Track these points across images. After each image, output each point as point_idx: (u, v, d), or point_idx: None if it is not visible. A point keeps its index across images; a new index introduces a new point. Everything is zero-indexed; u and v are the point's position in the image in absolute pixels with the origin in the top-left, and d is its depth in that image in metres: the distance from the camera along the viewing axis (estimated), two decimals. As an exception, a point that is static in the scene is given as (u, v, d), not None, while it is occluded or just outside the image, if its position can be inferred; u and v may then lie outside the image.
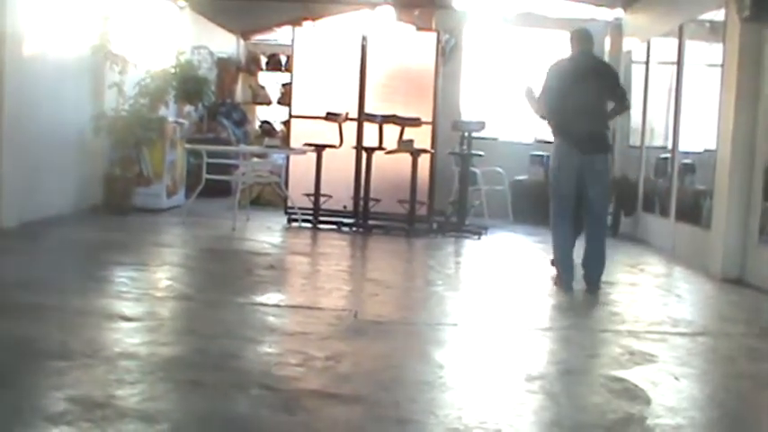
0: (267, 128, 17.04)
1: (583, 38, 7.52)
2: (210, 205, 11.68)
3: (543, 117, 7.57)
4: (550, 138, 7.70)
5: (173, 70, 11.64)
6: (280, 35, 17.56)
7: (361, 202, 10.83)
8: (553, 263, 7.61)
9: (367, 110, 10.97)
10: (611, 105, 7.55)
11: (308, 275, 7.96)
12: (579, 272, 7.32)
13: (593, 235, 7.38)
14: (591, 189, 7.24)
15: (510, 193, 12.75)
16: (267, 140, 16.01)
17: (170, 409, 3.75)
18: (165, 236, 9.72)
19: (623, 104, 7.70)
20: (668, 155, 10.54)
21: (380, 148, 10.56)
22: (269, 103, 17.46)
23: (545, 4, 14.14)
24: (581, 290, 7.27)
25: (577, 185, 7.22)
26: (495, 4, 14.26)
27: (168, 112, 11.98)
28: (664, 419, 3.96)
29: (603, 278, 7.42)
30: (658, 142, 11.45)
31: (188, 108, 13.57)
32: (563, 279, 7.30)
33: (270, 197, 12.70)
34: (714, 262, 8.45)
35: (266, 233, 10.16)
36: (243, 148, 12.83)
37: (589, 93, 7.23)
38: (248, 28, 17.07)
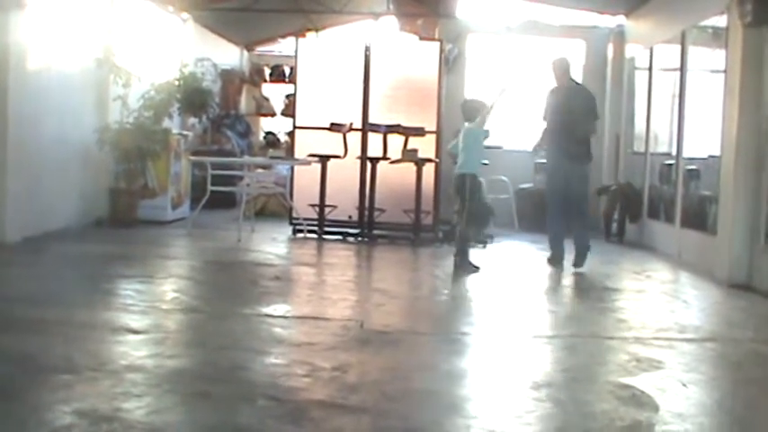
0: (271, 139, 17.07)
1: (566, 67, 9.26)
2: (215, 217, 11.69)
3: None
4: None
5: (177, 82, 11.66)
6: (283, 46, 17.64)
7: (366, 212, 10.83)
8: (549, 260, 9.15)
9: (371, 120, 10.98)
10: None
11: (313, 286, 7.95)
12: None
13: (577, 225, 9.11)
14: (574, 189, 9.00)
15: (515, 201, 12.74)
16: (271, 151, 16.04)
17: (177, 422, 3.75)
18: (170, 248, 9.72)
19: (594, 127, 9.41)
20: (673, 161, 10.54)
21: (385, 157, 10.57)
22: (273, 114, 17.49)
23: (548, 12, 14.16)
24: (574, 277, 8.60)
25: (565, 186, 8.98)
26: (498, 13, 14.28)
27: (172, 125, 12.01)
28: (672, 426, 3.94)
29: (610, 285, 8.05)
30: (663, 149, 11.43)
31: (192, 120, 13.61)
32: (555, 258, 9.07)
33: (275, 208, 12.72)
34: (720, 268, 8.43)
35: (271, 244, 10.17)
36: (247, 159, 12.86)
37: (574, 115, 8.98)
38: (252, 39, 17.12)
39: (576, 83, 9.61)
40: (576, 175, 9.03)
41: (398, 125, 10.53)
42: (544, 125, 9.33)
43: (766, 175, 8.02)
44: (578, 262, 8.86)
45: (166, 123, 11.50)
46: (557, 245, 9.13)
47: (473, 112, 8.74)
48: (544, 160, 10.21)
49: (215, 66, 14.89)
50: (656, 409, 4.15)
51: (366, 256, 10.00)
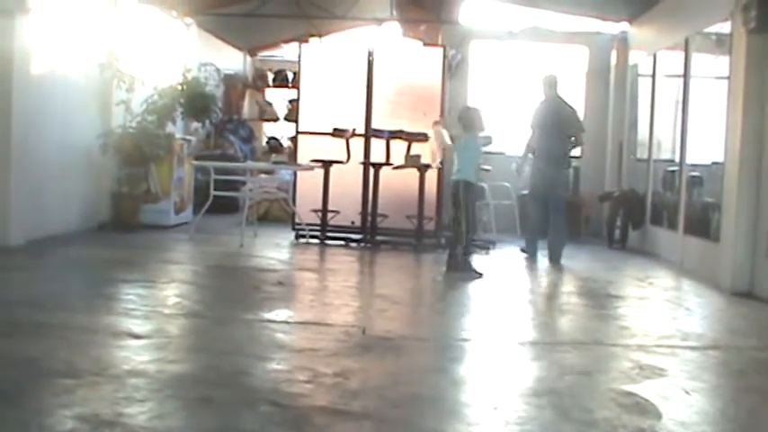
0: (274, 144, 17.08)
1: (553, 83, 10.29)
2: (218, 222, 11.69)
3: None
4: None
5: (180, 87, 11.68)
6: (286, 51, 17.65)
7: (369, 218, 10.83)
8: (523, 249, 10.46)
9: (374, 125, 10.99)
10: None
11: (316, 291, 7.95)
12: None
13: (554, 223, 10.08)
14: (553, 192, 10.09)
15: (517, 207, 12.73)
16: (274, 157, 16.05)
17: (179, 427, 3.74)
18: (172, 253, 9.72)
19: (579, 140, 10.43)
20: (676, 168, 10.53)
21: (388, 163, 10.57)
22: (276, 119, 17.51)
23: (551, 18, 14.16)
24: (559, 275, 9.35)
25: (545, 191, 10.09)
26: (502, 18, 14.29)
27: (176, 129, 12.02)
28: (675, 434, 3.93)
29: (612, 291, 8.04)
30: (666, 155, 11.44)
31: (195, 125, 13.62)
32: (531, 251, 10.23)
33: (277, 213, 12.73)
34: (723, 275, 8.42)
35: (274, 249, 10.17)
36: (250, 164, 12.87)
37: (557, 128, 10.05)
38: (255, 44, 17.14)
39: (561, 99, 10.37)
40: (559, 180, 10.21)
41: (401, 131, 10.55)
42: (528, 138, 10.47)
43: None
44: (557, 257, 9.91)
45: (170, 128, 11.52)
46: (535, 242, 10.31)
47: (467, 120, 8.93)
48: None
49: (218, 70, 14.93)
50: (658, 416, 4.14)
51: (368, 261, 10.00)
